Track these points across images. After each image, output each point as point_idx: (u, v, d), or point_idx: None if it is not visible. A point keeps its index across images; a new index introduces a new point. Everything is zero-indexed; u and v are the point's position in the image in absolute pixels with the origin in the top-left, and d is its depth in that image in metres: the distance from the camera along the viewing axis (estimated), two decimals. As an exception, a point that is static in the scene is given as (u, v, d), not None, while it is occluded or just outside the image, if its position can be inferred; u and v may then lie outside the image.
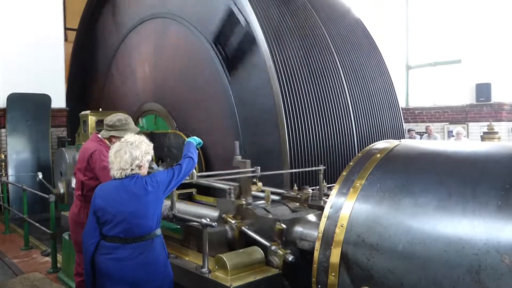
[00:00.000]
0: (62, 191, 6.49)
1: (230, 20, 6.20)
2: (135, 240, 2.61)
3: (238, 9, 5.94)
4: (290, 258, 2.74)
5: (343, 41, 6.73)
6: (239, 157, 3.65)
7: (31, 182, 8.21)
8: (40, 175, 8.03)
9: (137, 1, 8.71)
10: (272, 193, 3.65)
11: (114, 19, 9.59)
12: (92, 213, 2.71)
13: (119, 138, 3.45)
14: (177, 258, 3.27)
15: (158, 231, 2.73)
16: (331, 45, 6.47)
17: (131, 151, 2.68)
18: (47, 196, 5.61)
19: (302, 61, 5.94)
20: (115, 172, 2.70)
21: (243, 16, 5.85)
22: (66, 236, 4.69)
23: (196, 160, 3.06)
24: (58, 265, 5.30)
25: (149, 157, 2.81)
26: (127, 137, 2.83)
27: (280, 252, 2.81)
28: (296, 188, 4.11)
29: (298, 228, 2.99)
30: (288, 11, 6.40)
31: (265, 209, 3.27)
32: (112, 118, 3.71)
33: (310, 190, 3.56)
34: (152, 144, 2.90)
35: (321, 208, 3.04)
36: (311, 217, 3.13)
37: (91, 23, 10.46)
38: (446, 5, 12.14)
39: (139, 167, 2.72)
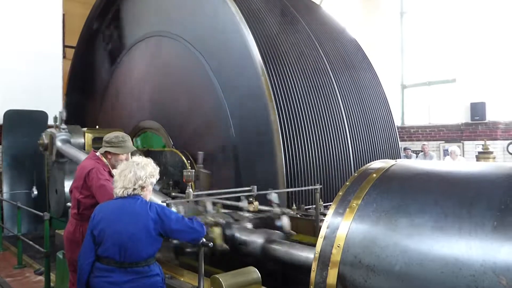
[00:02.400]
0: (46, 141, 7.15)
1: (228, 41, 6.27)
2: (130, 265, 2.57)
3: (236, 30, 6.01)
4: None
5: (339, 61, 6.82)
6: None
7: (26, 200, 8.13)
8: (35, 191, 7.98)
9: (135, 19, 8.81)
10: (260, 210, 3.94)
11: (111, 39, 9.67)
12: (90, 232, 2.68)
13: (115, 155, 3.58)
14: (172, 279, 3.24)
15: (154, 259, 2.70)
16: (327, 65, 6.55)
17: (136, 171, 2.72)
18: (41, 214, 5.55)
19: (298, 81, 6.01)
20: (117, 191, 2.72)
21: (241, 37, 5.92)
22: (60, 255, 4.63)
23: (205, 231, 2.84)
24: (52, 284, 5.22)
25: (154, 180, 2.82)
26: (135, 158, 2.88)
27: None
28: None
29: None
30: (285, 33, 6.49)
31: None
32: (110, 134, 3.77)
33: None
34: (158, 168, 2.91)
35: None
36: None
37: (90, 40, 10.55)
38: (441, 25, 12.35)
39: (142, 188, 2.73)
